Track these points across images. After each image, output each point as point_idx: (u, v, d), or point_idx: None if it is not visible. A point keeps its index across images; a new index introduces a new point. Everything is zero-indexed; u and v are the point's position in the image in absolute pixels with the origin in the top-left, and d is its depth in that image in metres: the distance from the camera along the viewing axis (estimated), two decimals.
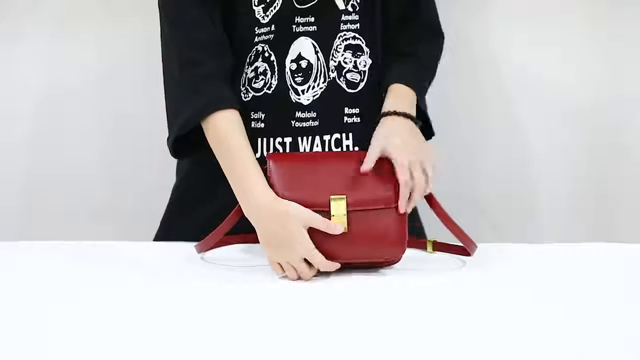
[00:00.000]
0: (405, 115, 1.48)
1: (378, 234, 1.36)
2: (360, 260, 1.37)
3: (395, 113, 1.48)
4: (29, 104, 2.05)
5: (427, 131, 1.60)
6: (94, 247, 1.52)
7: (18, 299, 1.25)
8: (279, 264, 1.37)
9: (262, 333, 1.11)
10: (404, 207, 1.38)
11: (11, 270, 1.40)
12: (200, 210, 1.57)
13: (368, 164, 1.40)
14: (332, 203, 1.35)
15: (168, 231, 1.63)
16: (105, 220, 2.07)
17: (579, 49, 1.96)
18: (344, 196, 1.36)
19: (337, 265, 1.36)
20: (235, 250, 1.48)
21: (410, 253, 1.40)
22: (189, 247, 1.47)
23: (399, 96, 1.52)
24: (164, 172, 1.71)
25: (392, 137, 1.43)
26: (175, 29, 1.50)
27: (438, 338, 1.09)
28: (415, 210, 1.61)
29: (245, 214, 1.40)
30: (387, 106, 1.50)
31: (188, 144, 1.51)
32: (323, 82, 1.52)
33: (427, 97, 1.60)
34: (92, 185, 2.08)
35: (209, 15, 1.49)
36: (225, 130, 1.45)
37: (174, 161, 1.65)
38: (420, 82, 1.57)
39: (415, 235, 1.57)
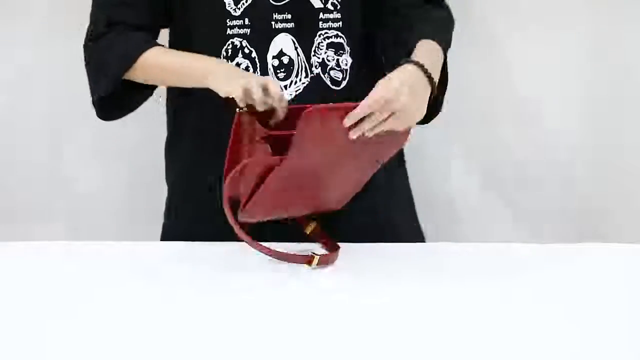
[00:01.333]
0: (417, 64, 1.38)
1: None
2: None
3: (407, 62, 1.38)
4: (28, 104, 2.05)
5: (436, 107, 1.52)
6: (93, 247, 1.52)
7: (18, 300, 1.25)
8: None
9: (262, 333, 1.11)
10: (350, 119, 1.30)
11: (11, 270, 1.40)
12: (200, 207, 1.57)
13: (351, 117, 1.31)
14: None
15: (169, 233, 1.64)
16: (105, 220, 2.07)
17: (579, 49, 1.96)
18: None
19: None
20: (234, 250, 1.48)
21: (407, 250, 1.40)
22: (189, 247, 1.47)
23: (421, 50, 1.43)
24: (164, 171, 1.70)
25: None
26: (97, 8, 1.56)
27: (437, 338, 1.09)
28: (413, 209, 1.61)
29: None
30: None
31: (113, 105, 1.57)
32: (305, 78, 1.52)
33: None
34: (92, 185, 2.08)
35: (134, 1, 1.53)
36: (164, 57, 1.50)
37: None
38: (443, 39, 1.50)
39: (413, 235, 1.57)
